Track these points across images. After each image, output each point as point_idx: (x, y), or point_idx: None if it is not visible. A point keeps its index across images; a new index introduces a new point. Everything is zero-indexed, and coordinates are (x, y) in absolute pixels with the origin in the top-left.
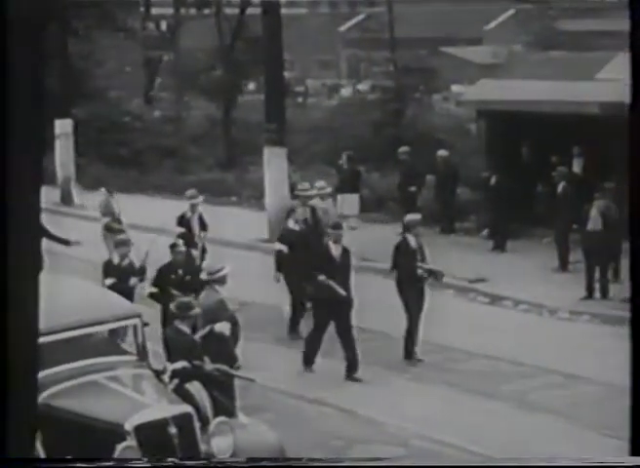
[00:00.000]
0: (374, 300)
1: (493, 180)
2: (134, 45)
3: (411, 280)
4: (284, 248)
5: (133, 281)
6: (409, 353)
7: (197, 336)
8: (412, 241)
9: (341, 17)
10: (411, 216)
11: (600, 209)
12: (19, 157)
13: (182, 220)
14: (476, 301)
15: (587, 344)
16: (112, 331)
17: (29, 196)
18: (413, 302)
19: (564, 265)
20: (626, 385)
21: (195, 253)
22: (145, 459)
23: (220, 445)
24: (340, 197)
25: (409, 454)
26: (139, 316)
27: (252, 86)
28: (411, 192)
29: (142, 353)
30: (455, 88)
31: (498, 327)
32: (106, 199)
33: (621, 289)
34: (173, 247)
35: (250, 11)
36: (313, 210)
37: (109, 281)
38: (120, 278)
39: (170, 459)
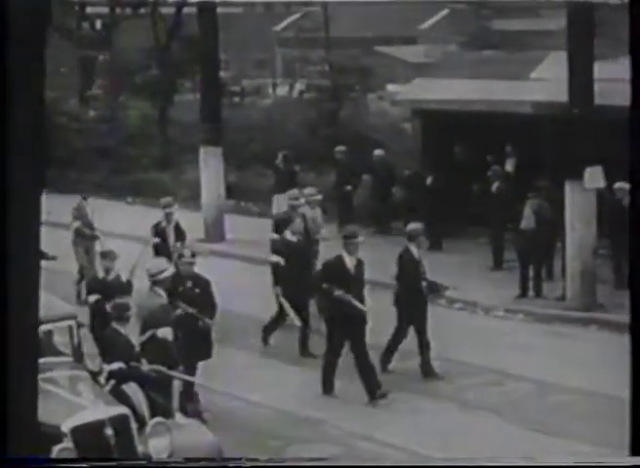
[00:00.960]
0: None
1: (428, 180)
2: (69, 45)
3: (413, 292)
4: (281, 260)
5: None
6: (384, 365)
7: (139, 342)
8: (414, 251)
9: (277, 16)
10: (413, 225)
11: (533, 208)
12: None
13: (157, 229)
14: None
15: (521, 342)
16: (48, 333)
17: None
18: (417, 316)
19: (499, 264)
20: (557, 382)
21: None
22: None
23: (156, 445)
24: (275, 197)
25: (347, 454)
26: (74, 317)
27: (188, 85)
28: (347, 192)
29: (78, 354)
30: (390, 87)
31: (432, 325)
32: (80, 203)
33: (555, 287)
34: (180, 257)
35: (186, 10)
36: (305, 219)
37: (93, 297)
38: (105, 294)
39: (171, 459)
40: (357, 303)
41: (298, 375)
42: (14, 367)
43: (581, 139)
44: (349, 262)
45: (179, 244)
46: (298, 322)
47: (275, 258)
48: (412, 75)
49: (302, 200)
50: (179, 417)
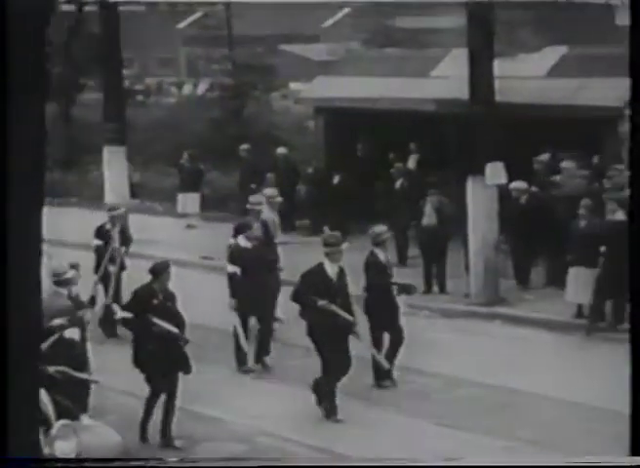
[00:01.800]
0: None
1: (331, 177)
2: None
3: (384, 298)
4: (237, 269)
5: (81, 312)
6: (380, 375)
7: (46, 344)
8: (381, 255)
9: (180, 14)
10: (378, 229)
11: (434, 204)
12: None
13: (101, 232)
14: None
15: (427, 338)
16: None
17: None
18: (390, 322)
19: (403, 260)
20: (464, 377)
21: (114, 268)
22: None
23: (62, 447)
24: (180, 196)
25: (253, 451)
26: None
27: (91, 84)
28: (251, 190)
29: None
30: (293, 85)
31: None
32: None
33: (459, 283)
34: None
35: (88, 8)
36: (265, 224)
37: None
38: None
39: (171, 459)
40: (343, 313)
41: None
42: (14, 367)
43: (483, 136)
44: (331, 271)
45: (123, 248)
46: (245, 345)
47: (231, 269)
48: (315, 73)
49: (264, 205)
50: (84, 419)
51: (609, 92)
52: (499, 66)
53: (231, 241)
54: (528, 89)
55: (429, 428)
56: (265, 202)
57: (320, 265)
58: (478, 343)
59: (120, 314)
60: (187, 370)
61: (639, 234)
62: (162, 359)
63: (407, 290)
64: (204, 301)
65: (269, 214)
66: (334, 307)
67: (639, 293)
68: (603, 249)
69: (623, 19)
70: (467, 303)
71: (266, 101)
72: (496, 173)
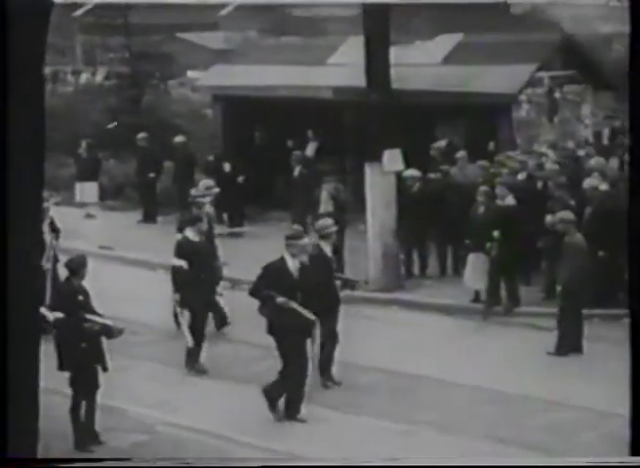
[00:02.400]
0: (123, 290)
1: (228, 166)
2: None
3: (326, 293)
4: (184, 263)
5: None
6: (325, 373)
7: None
8: (326, 249)
9: (76, 1)
10: (322, 222)
11: (330, 191)
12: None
13: None
14: None
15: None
16: None
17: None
18: (330, 317)
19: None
20: (363, 363)
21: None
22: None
23: None
24: (78, 185)
25: (153, 441)
26: None
27: None
28: (149, 179)
29: None
30: (190, 73)
31: (234, 309)
32: None
33: (358, 269)
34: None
35: None
36: (209, 218)
37: None
38: None
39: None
40: (304, 311)
41: None
42: (14, 367)
43: (380, 123)
44: (292, 266)
45: (53, 242)
46: (190, 340)
47: (178, 262)
48: (212, 61)
49: (208, 197)
50: None
51: (503, 79)
52: (395, 54)
53: (177, 235)
54: (424, 76)
55: (330, 414)
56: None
57: (281, 259)
58: (376, 329)
59: (52, 315)
60: (106, 366)
61: (639, 231)
62: (90, 357)
63: (350, 284)
64: (109, 293)
65: (210, 209)
66: (293, 305)
67: (639, 291)
68: (496, 234)
69: (517, 7)
70: (366, 289)
71: (164, 90)
72: (393, 159)
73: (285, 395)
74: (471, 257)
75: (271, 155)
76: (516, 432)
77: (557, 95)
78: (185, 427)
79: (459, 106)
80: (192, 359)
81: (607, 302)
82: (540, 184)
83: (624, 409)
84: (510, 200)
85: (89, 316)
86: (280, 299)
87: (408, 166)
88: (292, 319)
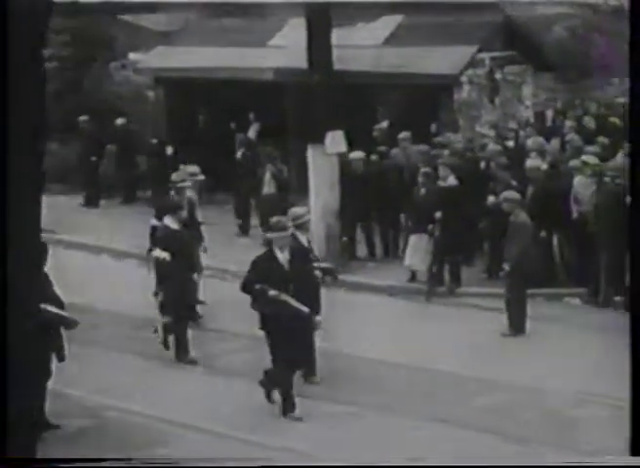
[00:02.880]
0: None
1: (170, 149)
2: None
3: (306, 282)
4: (167, 255)
5: None
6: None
7: None
8: (302, 238)
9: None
10: (296, 210)
11: (272, 172)
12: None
13: None
14: None
15: None
16: None
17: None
18: (314, 307)
19: (245, 230)
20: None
21: None
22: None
23: None
24: None
25: (97, 425)
26: None
27: None
28: (92, 162)
29: None
30: (132, 55)
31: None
32: None
33: None
34: None
35: None
36: (191, 203)
37: None
38: None
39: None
40: (296, 304)
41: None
42: (14, 367)
43: (322, 105)
44: (282, 257)
45: None
46: (160, 336)
47: (161, 254)
48: (154, 43)
49: (189, 183)
50: None
51: (445, 60)
52: (336, 35)
53: (155, 223)
54: (365, 57)
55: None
56: (187, 179)
57: (270, 252)
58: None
59: None
60: (63, 356)
61: (639, 232)
62: (43, 349)
63: (330, 272)
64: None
65: (192, 193)
66: (285, 297)
67: (639, 288)
68: (438, 215)
69: None
70: None
71: (106, 72)
72: (335, 141)
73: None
74: (412, 239)
75: (214, 137)
76: (459, 413)
77: (498, 75)
78: (135, 412)
79: (400, 87)
80: (182, 351)
81: (548, 282)
82: (482, 165)
83: (566, 387)
84: (452, 181)
85: (47, 307)
86: (272, 292)
87: (351, 147)
88: (285, 312)
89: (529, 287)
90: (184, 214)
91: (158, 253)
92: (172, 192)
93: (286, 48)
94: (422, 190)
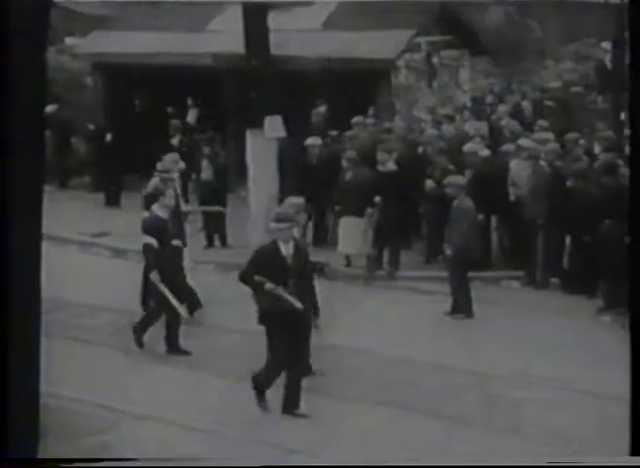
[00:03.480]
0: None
1: (109, 136)
2: None
3: (303, 280)
4: (154, 241)
5: None
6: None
7: None
8: (295, 231)
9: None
10: (294, 200)
11: (209, 157)
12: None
13: None
14: (101, 255)
15: (218, 294)
16: None
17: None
18: (307, 300)
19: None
20: (245, 328)
21: None
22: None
23: None
24: None
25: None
26: None
27: None
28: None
29: None
30: (69, 40)
31: (122, 279)
32: None
33: (240, 236)
34: None
35: None
36: (176, 192)
37: None
38: None
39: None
40: (291, 299)
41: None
42: (15, 367)
43: (260, 89)
44: (285, 249)
45: None
46: (183, 312)
47: (148, 239)
48: (90, 28)
49: (175, 173)
50: None
51: (382, 44)
52: (273, 19)
53: (145, 213)
54: (303, 42)
55: (215, 382)
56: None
57: (274, 243)
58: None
59: None
60: None
61: (638, 227)
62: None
63: (319, 267)
64: None
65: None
66: (280, 291)
67: (638, 287)
68: (377, 199)
69: None
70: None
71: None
72: (274, 126)
73: (283, 390)
74: (342, 222)
75: (152, 123)
76: (404, 396)
77: (435, 60)
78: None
79: (338, 72)
80: (173, 343)
81: (486, 265)
82: (420, 149)
83: (503, 370)
84: (391, 165)
85: None
86: (269, 286)
87: (289, 132)
88: (279, 307)
89: (468, 270)
90: (170, 201)
91: (146, 238)
92: (158, 181)
93: (225, 32)
94: (348, 174)
